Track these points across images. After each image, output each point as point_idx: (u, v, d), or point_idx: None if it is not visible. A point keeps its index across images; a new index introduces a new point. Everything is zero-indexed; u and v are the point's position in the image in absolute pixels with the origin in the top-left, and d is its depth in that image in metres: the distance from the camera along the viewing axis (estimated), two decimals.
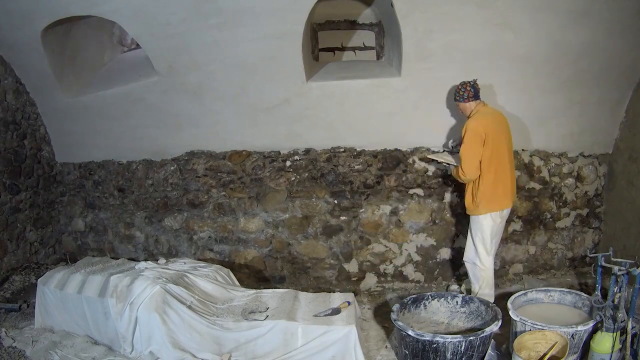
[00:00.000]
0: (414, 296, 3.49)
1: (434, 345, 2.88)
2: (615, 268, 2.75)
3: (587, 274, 4.55)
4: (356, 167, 4.53)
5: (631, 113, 4.28)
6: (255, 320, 3.18)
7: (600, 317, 2.82)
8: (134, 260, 4.32)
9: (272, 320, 3.15)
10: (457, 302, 3.50)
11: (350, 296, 3.50)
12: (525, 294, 3.41)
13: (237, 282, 4.00)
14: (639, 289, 2.70)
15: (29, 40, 4.14)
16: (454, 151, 4.23)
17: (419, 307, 3.50)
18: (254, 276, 4.81)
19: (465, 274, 4.61)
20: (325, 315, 3.21)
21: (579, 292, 3.38)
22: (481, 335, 2.89)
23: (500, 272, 4.62)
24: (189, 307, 3.27)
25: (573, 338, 2.90)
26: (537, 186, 4.51)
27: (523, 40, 3.75)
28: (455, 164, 3.87)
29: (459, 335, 2.89)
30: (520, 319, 3.02)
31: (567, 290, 3.45)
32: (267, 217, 4.73)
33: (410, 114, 4.24)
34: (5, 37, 4.23)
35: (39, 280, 3.84)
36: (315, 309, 3.32)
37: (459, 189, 4.48)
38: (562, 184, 4.54)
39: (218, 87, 4.22)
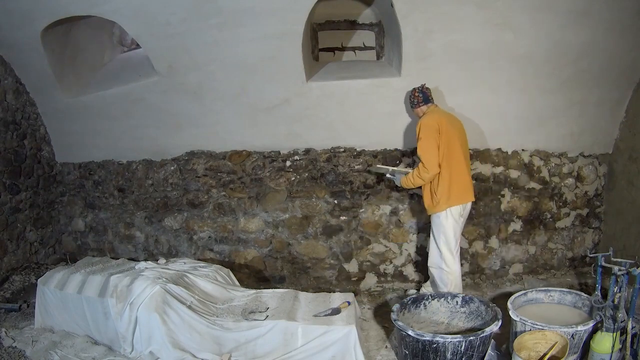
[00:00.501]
0: (414, 296, 3.49)
1: (434, 345, 2.88)
2: (615, 268, 2.75)
3: (587, 274, 4.56)
4: (356, 167, 4.53)
5: (631, 113, 4.28)
6: (255, 320, 3.18)
7: (600, 317, 2.82)
8: (134, 260, 4.32)
9: (272, 320, 3.15)
10: (457, 302, 3.50)
11: (350, 296, 3.50)
12: (525, 294, 3.41)
13: (237, 282, 4.00)
14: (639, 289, 2.70)
15: (29, 40, 4.14)
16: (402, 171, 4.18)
17: (419, 307, 3.50)
18: (254, 276, 4.81)
19: (466, 274, 4.62)
20: (325, 315, 3.21)
21: (579, 292, 3.38)
22: (481, 335, 2.89)
23: (500, 272, 4.62)
24: (189, 307, 3.27)
25: (573, 338, 2.90)
26: (537, 186, 4.51)
27: (523, 40, 3.75)
28: (403, 172, 3.83)
29: (459, 335, 2.88)
30: (520, 319, 3.02)
31: (567, 290, 3.45)
32: (267, 217, 4.73)
33: (411, 114, 4.24)
34: (5, 37, 4.23)
35: (39, 280, 3.84)
36: (315, 309, 3.32)
37: None
38: (562, 184, 4.54)
39: (218, 87, 4.22)
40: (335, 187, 4.57)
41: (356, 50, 4.62)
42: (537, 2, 3.51)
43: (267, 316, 3.21)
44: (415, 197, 4.51)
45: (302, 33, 3.76)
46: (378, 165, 4.11)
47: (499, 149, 4.44)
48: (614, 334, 2.72)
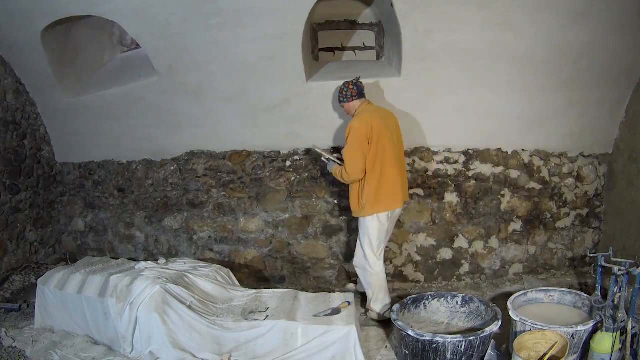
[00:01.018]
0: (414, 296, 3.49)
1: (434, 345, 2.88)
2: (615, 268, 2.75)
3: (587, 274, 4.55)
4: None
5: (631, 113, 4.28)
6: (255, 320, 3.18)
7: (600, 317, 2.82)
8: (134, 260, 4.32)
9: (272, 320, 3.15)
10: (457, 302, 3.50)
11: (350, 296, 3.50)
12: (525, 294, 3.41)
13: (237, 282, 4.00)
14: (639, 289, 2.70)
15: (29, 40, 4.14)
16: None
17: (419, 307, 3.50)
18: (254, 276, 4.81)
19: (466, 274, 4.62)
20: (325, 315, 3.21)
21: (579, 292, 3.38)
22: (481, 335, 2.89)
23: (500, 272, 4.62)
24: (189, 307, 3.27)
25: (573, 338, 2.90)
26: (537, 186, 4.51)
27: (523, 40, 3.75)
28: (338, 162, 3.75)
29: (459, 335, 2.89)
30: (520, 319, 3.02)
31: (567, 290, 3.45)
32: (267, 217, 4.73)
33: (410, 114, 4.24)
34: (5, 37, 4.23)
35: (39, 280, 3.84)
36: (315, 309, 3.32)
37: (459, 189, 4.49)
38: (562, 184, 4.54)
39: (218, 87, 4.22)
40: (335, 187, 4.57)
41: (356, 50, 4.62)
42: (537, 2, 3.51)
43: (267, 316, 3.21)
44: (415, 197, 4.51)
45: (302, 33, 3.76)
46: (318, 150, 4.02)
47: (499, 149, 4.44)
48: (614, 334, 2.72)
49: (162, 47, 3.99)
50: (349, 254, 4.64)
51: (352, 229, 4.61)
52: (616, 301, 2.77)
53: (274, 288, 3.89)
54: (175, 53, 4.00)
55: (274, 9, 3.60)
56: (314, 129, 4.44)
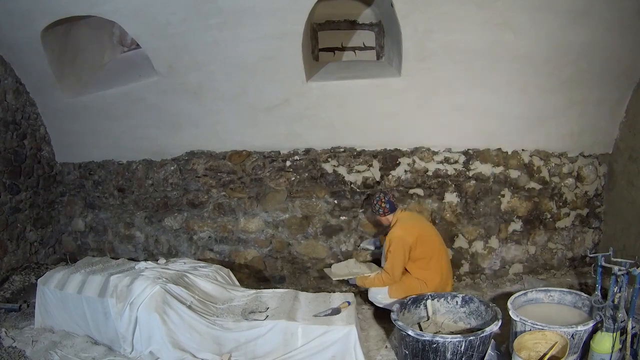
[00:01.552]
0: (413, 296, 3.49)
1: (434, 345, 2.89)
2: (615, 268, 2.75)
3: (587, 274, 4.55)
4: (356, 167, 4.53)
5: (631, 113, 4.28)
6: (255, 320, 3.18)
7: (600, 317, 2.82)
8: (134, 260, 4.32)
9: (272, 320, 3.15)
10: (457, 302, 3.50)
11: (350, 296, 3.51)
12: (525, 294, 3.41)
13: (237, 282, 4.00)
14: (639, 289, 2.70)
15: (29, 40, 4.14)
16: (376, 251, 4.33)
17: (419, 307, 3.50)
18: (254, 276, 4.81)
19: (466, 274, 4.62)
20: (325, 315, 3.21)
21: (579, 292, 3.38)
22: (481, 335, 2.89)
23: (500, 272, 4.62)
24: (189, 307, 3.27)
25: (573, 338, 2.90)
26: (537, 186, 4.51)
27: (523, 40, 3.75)
28: (365, 273, 3.90)
29: (458, 335, 2.89)
30: (520, 319, 3.02)
31: (567, 290, 3.45)
32: (267, 217, 4.73)
33: (410, 114, 4.24)
34: (5, 37, 4.23)
35: (39, 280, 3.84)
36: (315, 309, 3.32)
37: (459, 189, 4.49)
38: (562, 184, 4.54)
39: (218, 87, 4.22)
40: (335, 187, 4.57)
41: (356, 50, 4.62)
42: (537, 2, 3.51)
43: (267, 316, 3.21)
44: (415, 197, 4.51)
45: (302, 33, 3.76)
46: (338, 278, 4.04)
47: (499, 149, 4.44)
48: (614, 334, 2.72)
49: (162, 47, 3.99)
50: (348, 254, 4.65)
51: (352, 228, 4.61)
52: (616, 301, 2.76)
53: (274, 288, 3.89)
54: (175, 53, 4.00)
55: (274, 9, 3.59)
56: (314, 129, 4.44)
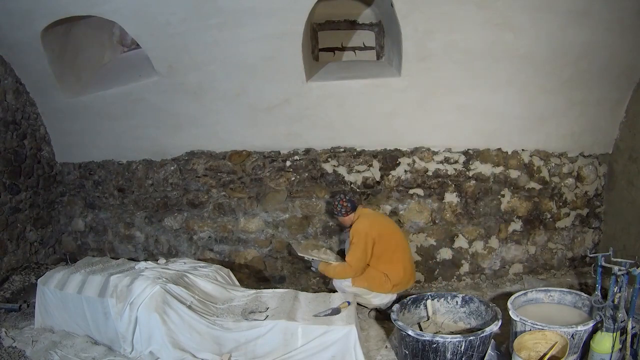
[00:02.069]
0: (414, 296, 3.49)
1: (434, 345, 2.88)
2: (615, 268, 2.75)
3: (587, 274, 4.55)
4: (356, 167, 4.52)
5: (631, 113, 4.28)
6: (255, 320, 3.18)
7: (600, 317, 2.82)
8: (134, 260, 4.31)
9: (272, 320, 3.15)
10: (457, 302, 3.50)
11: (350, 296, 3.50)
12: (525, 294, 3.41)
13: (237, 282, 4.00)
14: (639, 289, 2.70)
15: (29, 40, 4.14)
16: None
17: (419, 307, 3.50)
18: (254, 276, 4.81)
19: (466, 274, 4.62)
20: (325, 315, 3.21)
21: (579, 292, 3.38)
22: (481, 335, 2.89)
23: (500, 272, 4.62)
24: (189, 307, 3.27)
25: (573, 338, 2.90)
26: (537, 186, 4.51)
27: (523, 40, 3.75)
28: (330, 261, 3.88)
29: (458, 335, 2.89)
30: (520, 319, 3.02)
31: (567, 290, 3.45)
32: (267, 217, 4.73)
33: (410, 114, 4.24)
34: (5, 37, 4.23)
35: (39, 280, 3.84)
36: (315, 309, 3.32)
37: (459, 189, 4.49)
38: (562, 184, 4.54)
39: (218, 87, 4.22)
40: (335, 187, 4.57)
41: (356, 50, 4.62)
42: (537, 2, 3.51)
43: (267, 316, 3.21)
44: (415, 197, 4.51)
45: (302, 33, 3.76)
46: (303, 253, 4.04)
47: (499, 149, 4.44)
48: (614, 334, 2.72)
49: (162, 47, 3.99)
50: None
51: None
52: (616, 301, 2.76)
53: (274, 288, 3.89)
54: (175, 53, 4.00)
55: (274, 9, 3.60)
56: (314, 129, 4.44)
